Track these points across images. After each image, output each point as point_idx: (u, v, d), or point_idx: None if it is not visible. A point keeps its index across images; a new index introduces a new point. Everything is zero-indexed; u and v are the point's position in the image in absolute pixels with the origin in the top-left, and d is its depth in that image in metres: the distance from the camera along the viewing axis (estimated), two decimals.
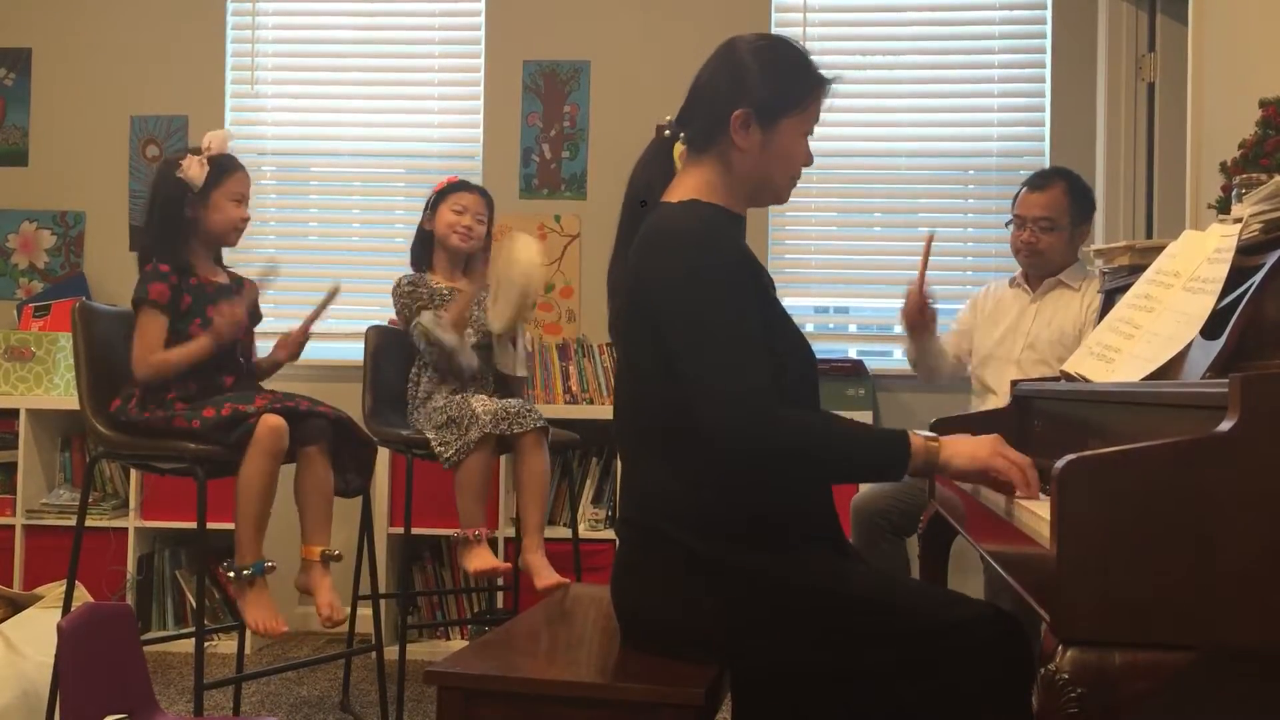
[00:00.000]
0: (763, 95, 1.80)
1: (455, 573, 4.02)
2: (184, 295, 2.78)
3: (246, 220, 2.89)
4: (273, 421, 2.59)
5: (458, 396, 3.08)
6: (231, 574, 2.66)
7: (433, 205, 3.27)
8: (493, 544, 3.73)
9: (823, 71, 1.86)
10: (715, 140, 1.83)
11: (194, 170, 2.77)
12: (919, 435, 1.67)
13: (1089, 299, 3.09)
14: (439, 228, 3.24)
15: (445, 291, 3.19)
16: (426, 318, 3.11)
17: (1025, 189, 3.18)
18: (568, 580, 2.88)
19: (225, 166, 2.83)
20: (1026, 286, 3.22)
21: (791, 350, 1.81)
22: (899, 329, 3.29)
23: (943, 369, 3.31)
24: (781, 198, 1.90)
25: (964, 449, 1.66)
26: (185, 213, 2.80)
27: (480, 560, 2.98)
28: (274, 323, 3.16)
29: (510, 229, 3.58)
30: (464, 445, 2.94)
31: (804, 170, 1.90)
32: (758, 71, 1.81)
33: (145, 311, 2.74)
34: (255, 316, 3.01)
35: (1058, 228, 3.12)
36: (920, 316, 3.15)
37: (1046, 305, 3.16)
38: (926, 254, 3.09)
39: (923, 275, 3.12)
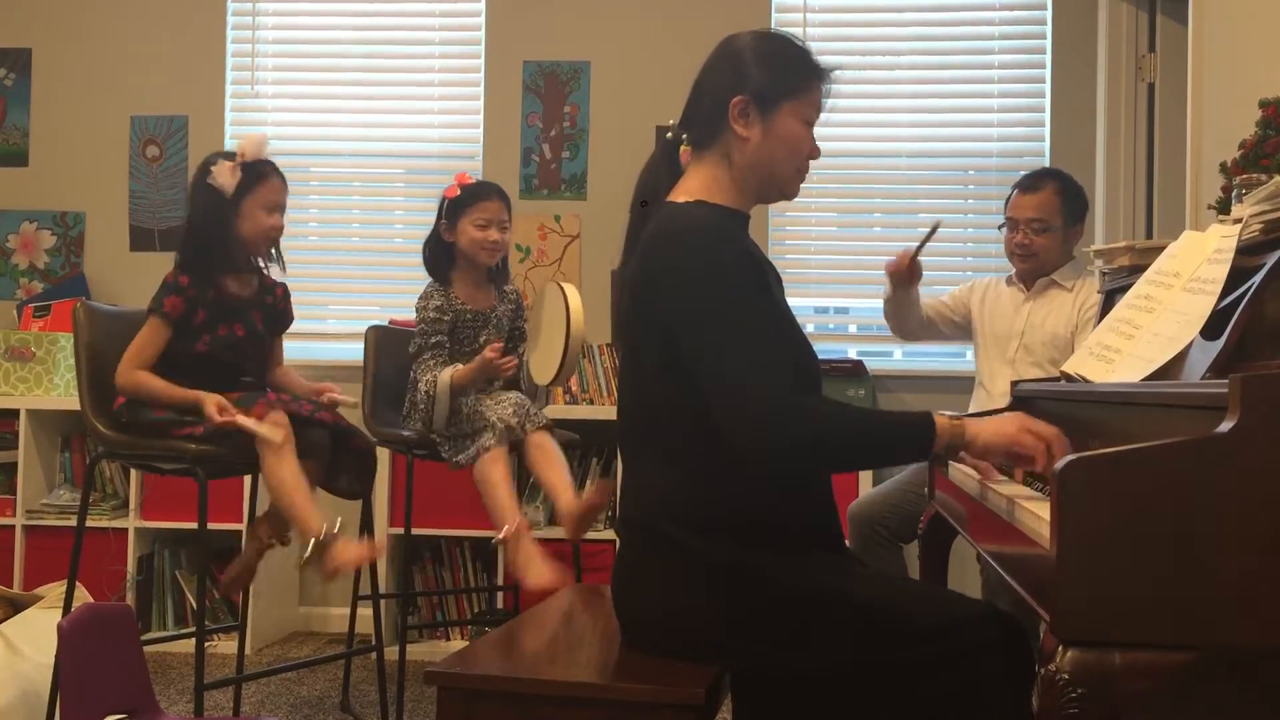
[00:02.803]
0: (760, 82, 1.80)
1: (455, 573, 4.02)
2: (199, 310, 2.68)
3: (279, 229, 2.78)
4: (275, 418, 2.58)
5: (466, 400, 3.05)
6: (310, 546, 2.51)
7: (449, 215, 3.12)
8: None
9: (820, 61, 1.86)
10: (717, 134, 1.83)
11: (225, 177, 2.67)
12: (942, 415, 1.67)
13: (1081, 298, 3.09)
14: (463, 243, 3.09)
15: (469, 315, 3.12)
16: (445, 376, 2.99)
17: (1017, 191, 3.18)
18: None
19: (259, 173, 2.72)
20: (1021, 285, 3.23)
21: (796, 349, 1.81)
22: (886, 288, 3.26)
23: (909, 322, 3.28)
24: (788, 192, 1.89)
25: (990, 424, 1.67)
26: (220, 224, 2.69)
27: (539, 575, 2.69)
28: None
29: (557, 278, 3.40)
30: (476, 449, 2.92)
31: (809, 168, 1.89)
32: (754, 60, 1.82)
33: (152, 321, 2.68)
34: (284, 321, 2.93)
35: (1050, 228, 3.11)
36: (905, 271, 3.14)
37: (1040, 306, 3.16)
38: (928, 238, 3.07)
39: (918, 251, 3.11)
